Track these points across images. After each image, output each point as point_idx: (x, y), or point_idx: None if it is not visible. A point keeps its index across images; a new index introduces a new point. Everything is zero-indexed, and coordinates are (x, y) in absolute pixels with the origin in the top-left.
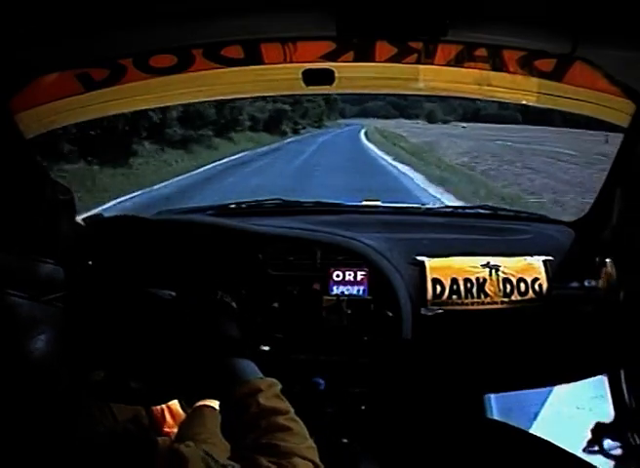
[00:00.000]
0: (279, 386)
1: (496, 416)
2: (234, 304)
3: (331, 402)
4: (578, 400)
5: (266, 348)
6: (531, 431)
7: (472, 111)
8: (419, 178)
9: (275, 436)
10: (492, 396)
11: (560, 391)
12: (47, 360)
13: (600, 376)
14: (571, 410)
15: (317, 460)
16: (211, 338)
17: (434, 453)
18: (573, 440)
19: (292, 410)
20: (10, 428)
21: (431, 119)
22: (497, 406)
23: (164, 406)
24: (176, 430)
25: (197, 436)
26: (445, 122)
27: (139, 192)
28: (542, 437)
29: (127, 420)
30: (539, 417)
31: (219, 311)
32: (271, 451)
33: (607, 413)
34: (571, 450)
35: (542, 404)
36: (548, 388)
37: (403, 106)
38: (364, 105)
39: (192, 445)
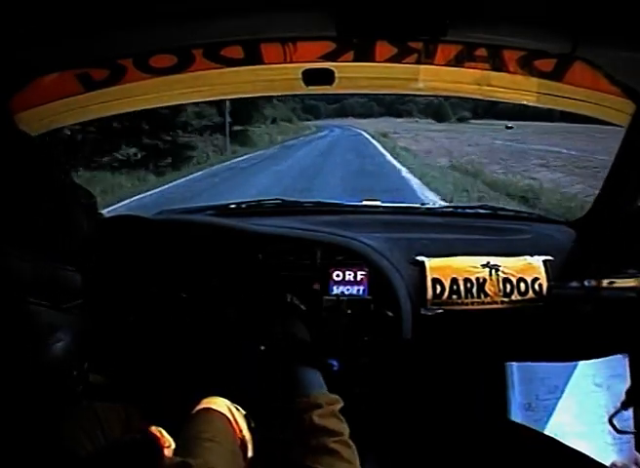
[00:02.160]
0: (340, 404)
1: (516, 386)
2: (303, 307)
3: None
4: (596, 377)
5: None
6: (548, 402)
7: (486, 105)
8: None
9: (320, 459)
10: (514, 365)
11: (581, 366)
12: (64, 365)
13: (620, 356)
14: (589, 387)
15: None
16: (279, 341)
17: (435, 453)
18: (588, 416)
19: (346, 433)
20: (21, 430)
21: (440, 116)
22: (518, 376)
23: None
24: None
25: (202, 434)
26: (462, 120)
27: None
28: (551, 436)
29: (107, 426)
30: (558, 390)
31: (288, 313)
32: None
33: (623, 393)
34: (585, 426)
35: (565, 377)
36: (570, 364)
37: (389, 102)
38: (342, 102)
39: (202, 462)
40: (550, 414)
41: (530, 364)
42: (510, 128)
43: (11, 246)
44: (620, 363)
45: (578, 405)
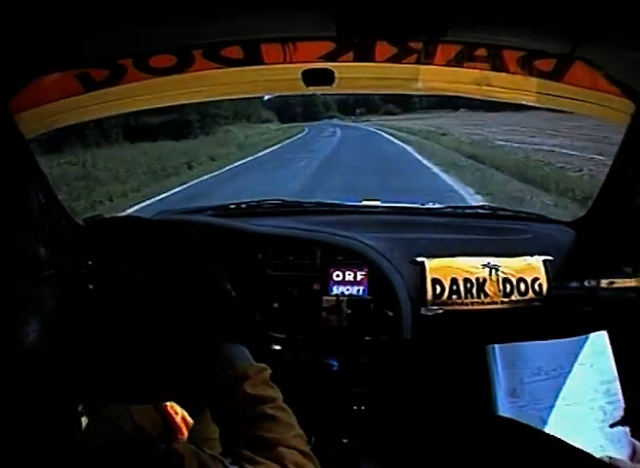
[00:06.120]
0: (268, 372)
1: (500, 370)
2: (228, 286)
3: (331, 400)
4: (579, 355)
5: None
6: (533, 386)
7: None
8: None
9: (260, 426)
10: (496, 347)
11: (563, 345)
12: (42, 345)
13: (602, 332)
14: (573, 365)
15: (305, 448)
16: (197, 321)
17: (435, 453)
18: (575, 396)
19: (280, 398)
20: (12, 427)
21: None
22: (500, 359)
23: (179, 413)
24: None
25: (212, 435)
26: None
27: None
28: (552, 434)
29: (141, 426)
30: (542, 372)
31: (206, 291)
32: (257, 443)
33: (608, 369)
34: (573, 406)
35: (547, 357)
36: (551, 342)
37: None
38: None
39: (184, 441)
40: (536, 400)
41: (512, 345)
42: None
43: None
44: (601, 339)
45: (563, 385)
